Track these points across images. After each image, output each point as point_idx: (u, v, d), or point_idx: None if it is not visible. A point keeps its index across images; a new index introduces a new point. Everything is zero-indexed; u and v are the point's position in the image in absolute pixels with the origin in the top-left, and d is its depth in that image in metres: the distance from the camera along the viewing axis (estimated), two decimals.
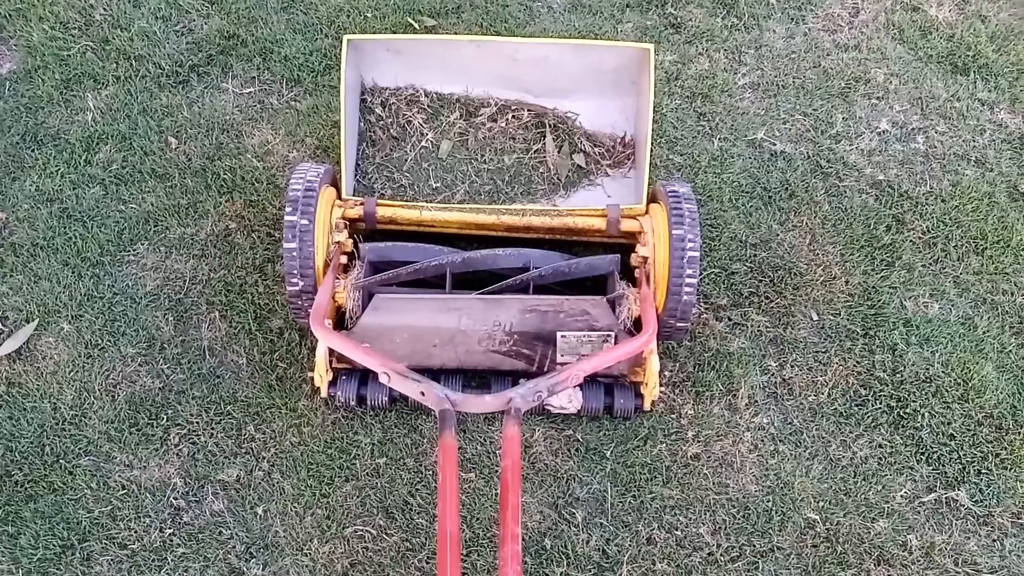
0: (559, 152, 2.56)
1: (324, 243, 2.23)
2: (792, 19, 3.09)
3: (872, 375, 2.36)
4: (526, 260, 2.28)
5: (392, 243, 2.29)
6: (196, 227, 2.57)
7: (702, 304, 2.46)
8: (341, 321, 2.25)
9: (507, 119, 2.58)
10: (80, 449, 2.19)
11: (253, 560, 2.08)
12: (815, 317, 2.46)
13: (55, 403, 2.25)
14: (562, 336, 2.18)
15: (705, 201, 2.64)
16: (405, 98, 2.59)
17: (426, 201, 2.47)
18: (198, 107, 2.80)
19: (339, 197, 2.35)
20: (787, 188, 2.68)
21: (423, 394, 1.73)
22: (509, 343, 2.18)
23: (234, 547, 2.09)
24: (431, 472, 2.21)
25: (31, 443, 2.20)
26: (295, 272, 2.13)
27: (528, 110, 2.59)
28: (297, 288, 2.16)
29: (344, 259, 2.27)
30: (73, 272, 2.46)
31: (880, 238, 2.59)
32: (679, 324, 2.20)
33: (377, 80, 2.58)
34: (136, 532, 2.09)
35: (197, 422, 2.25)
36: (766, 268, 2.53)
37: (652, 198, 2.34)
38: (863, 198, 2.67)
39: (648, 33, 3.01)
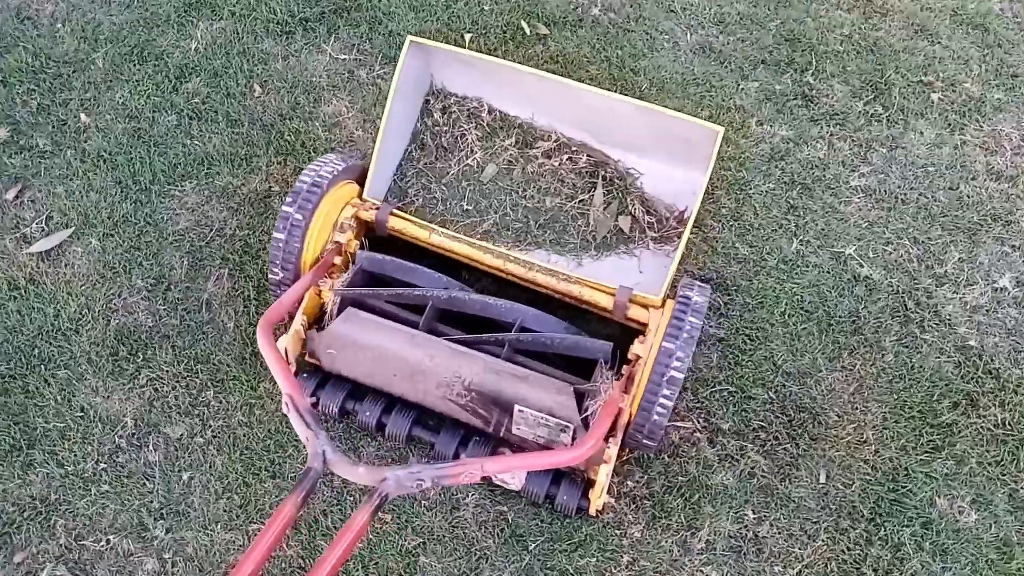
0: (605, 208, 2.34)
1: (323, 239, 2.18)
2: (949, 125, 2.62)
3: (859, 571, 2.01)
4: (516, 317, 2.12)
5: (390, 258, 2.20)
6: (243, 180, 2.60)
7: (699, 420, 2.19)
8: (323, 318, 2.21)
9: (562, 159, 2.39)
10: (62, 361, 2.32)
11: (161, 521, 2.12)
12: (823, 479, 2.12)
13: (59, 311, 2.38)
14: (519, 410, 2.01)
15: (753, 307, 2.33)
16: (467, 110, 2.45)
17: (453, 220, 2.35)
18: (292, 61, 2.81)
19: (360, 196, 2.28)
20: (855, 321, 2.31)
21: (307, 439, 1.65)
22: (466, 398, 2.05)
23: (151, 502, 2.14)
24: (353, 497, 2.14)
25: (26, 341, 2.34)
26: (277, 262, 2.10)
27: (588, 155, 2.38)
28: (277, 278, 2.14)
29: (338, 260, 2.20)
30: (121, 192, 2.57)
31: (940, 414, 2.17)
32: (645, 441, 1.96)
33: (446, 84, 2.46)
34: (75, 456, 2.19)
35: (167, 371, 2.30)
36: (790, 405, 2.20)
37: (675, 292, 2.09)
38: (940, 361, 2.24)
39: (773, 99, 2.67)
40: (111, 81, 2.79)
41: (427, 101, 2.48)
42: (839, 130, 2.63)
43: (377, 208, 2.24)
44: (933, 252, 2.41)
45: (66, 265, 2.47)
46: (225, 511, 2.13)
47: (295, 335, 2.14)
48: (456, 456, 2.08)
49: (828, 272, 2.39)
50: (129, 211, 2.55)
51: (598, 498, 1.98)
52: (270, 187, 2.59)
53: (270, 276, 2.15)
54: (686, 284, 2.05)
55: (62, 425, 2.23)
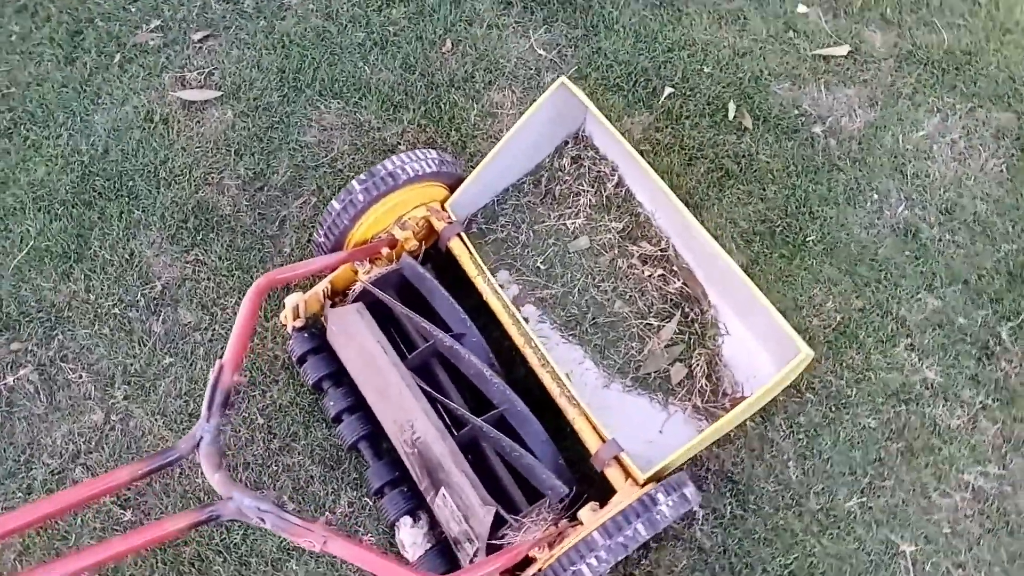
0: (667, 347, 2.06)
1: (381, 225, 2.10)
2: None
3: None
4: (501, 403, 1.95)
5: (428, 276, 2.08)
6: (380, 125, 2.57)
7: None
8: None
9: (656, 272, 2.11)
10: (144, 204, 2.46)
11: (125, 387, 2.24)
12: None
13: (168, 159, 2.52)
14: (443, 494, 1.87)
15: (759, 540, 1.98)
16: (597, 171, 2.23)
17: (520, 269, 2.18)
18: (494, 34, 2.70)
19: (443, 202, 2.16)
20: None
21: (202, 416, 1.62)
22: (411, 450, 1.93)
23: (130, 366, 2.26)
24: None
25: (130, 169, 2.51)
26: (324, 227, 2.07)
27: (684, 284, 2.09)
28: (318, 240, 2.11)
29: (387, 251, 2.12)
30: (279, 81, 2.64)
31: None
32: None
33: (592, 134, 2.24)
34: (102, 289, 2.35)
35: (213, 261, 2.38)
36: None
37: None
38: None
39: (946, 330, 2.20)
40: None
41: (566, 142, 2.27)
42: (998, 407, 2.11)
43: (449, 223, 2.12)
44: None
45: (198, 123, 2.59)
46: (176, 412, 2.20)
47: (314, 296, 2.11)
48: (380, 492, 1.99)
49: (868, 554, 1.96)
50: (273, 102, 2.61)
51: None
52: (395, 144, 2.54)
53: (314, 235, 2.11)
54: (674, 482, 1.75)
55: (109, 257, 2.38)
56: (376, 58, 2.67)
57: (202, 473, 1.57)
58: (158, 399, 2.21)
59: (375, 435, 2.04)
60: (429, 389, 1.95)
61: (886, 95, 2.56)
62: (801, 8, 2.72)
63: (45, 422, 2.20)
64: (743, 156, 2.46)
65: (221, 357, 1.68)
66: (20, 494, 2.12)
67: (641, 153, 2.43)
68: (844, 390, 2.15)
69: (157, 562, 2.04)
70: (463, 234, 2.11)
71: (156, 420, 2.18)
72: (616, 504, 1.76)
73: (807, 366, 1.98)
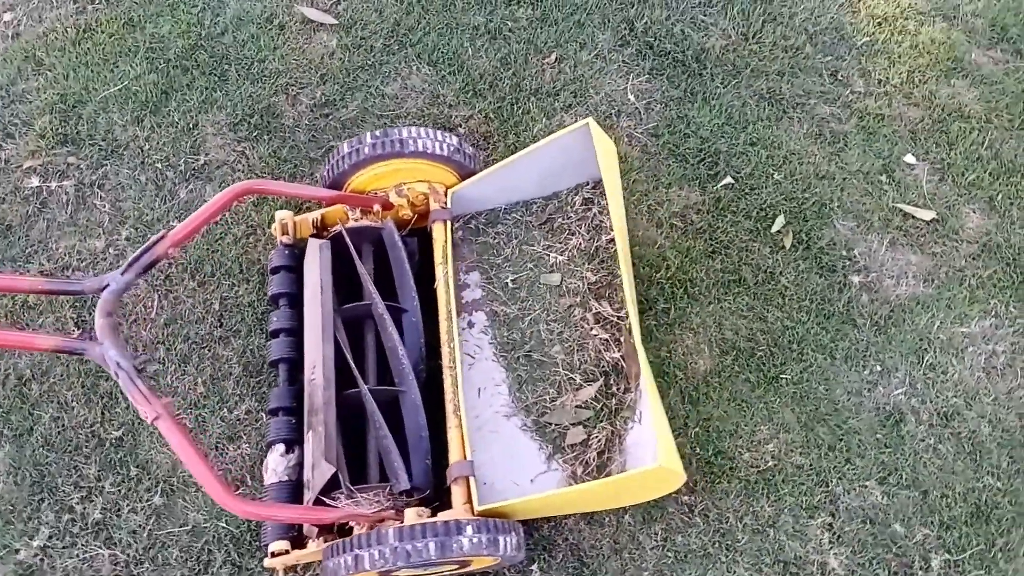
0: (576, 407, 2.03)
1: (381, 184, 2.21)
2: None
3: None
4: (400, 383, 2.01)
5: (401, 247, 2.15)
6: (453, 101, 2.67)
7: None
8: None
9: (602, 336, 2.08)
10: (226, 89, 2.70)
11: (132, 230, 2.47)
12: None
13: (264, 60, 2.74)
14: (307, 438, 1.95)
15: None
16: (599, 221, 2.22)
17: (488, 280, 2.22)
18: (596, 65, 2.73)
19: (448, 188, 2.23)
20: None
21: (111, 273, 1.74)
22: (307, 387, 2.02)
23: (145, 213, 2.50)
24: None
25: (229, 55, 2.75)
26: (328, 163, 2.20)
27: (623, 358, 2.05)
28: (322, 173, 2.25)
29: (378, 208, 2.21)
30: (392, 31, 2.80)
31: None
32: None
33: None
34: (156, 143, 2.60)
35: (251, 156, 2.58)
36: None
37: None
38: None
39: None
40: None
41: (588, 182, 2.28)
42: None
43: (443, 207, 2.19)
44: None
45: (305, 40, 2.80)
46: (161, 271, 2.40)
47: (304, 221, 2.24)
48: (273, 412, 2.08)
49: None
50: (376, 47, 2.77)
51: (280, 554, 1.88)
52: (459, 125, 2.63)
53: (321, 167, 2.25)
54: (498, 526, 1.73)
55: (177, 120, 2.63)
56: (482, 45, 2.77)
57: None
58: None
59: (296, 362, 2.14)
60: (344, 341, 2.03)
61: (948, 277, 2.36)
62: (909, 159, 2.56)
63: (59, 231, 2.47)
64: (765, 271, 2.36)
65: (171, 229, 1.83)
66: None
67: (670, 226, 2.40)
68: (736, 533, 2.03)
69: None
70: (448, 222, 2.17)
71: None
72: (436, 518, 1.77)
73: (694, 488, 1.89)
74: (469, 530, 1.69)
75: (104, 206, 2.51)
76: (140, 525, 2.09)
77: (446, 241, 2.14)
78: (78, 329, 2.31)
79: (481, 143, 2.61)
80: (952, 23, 2.84)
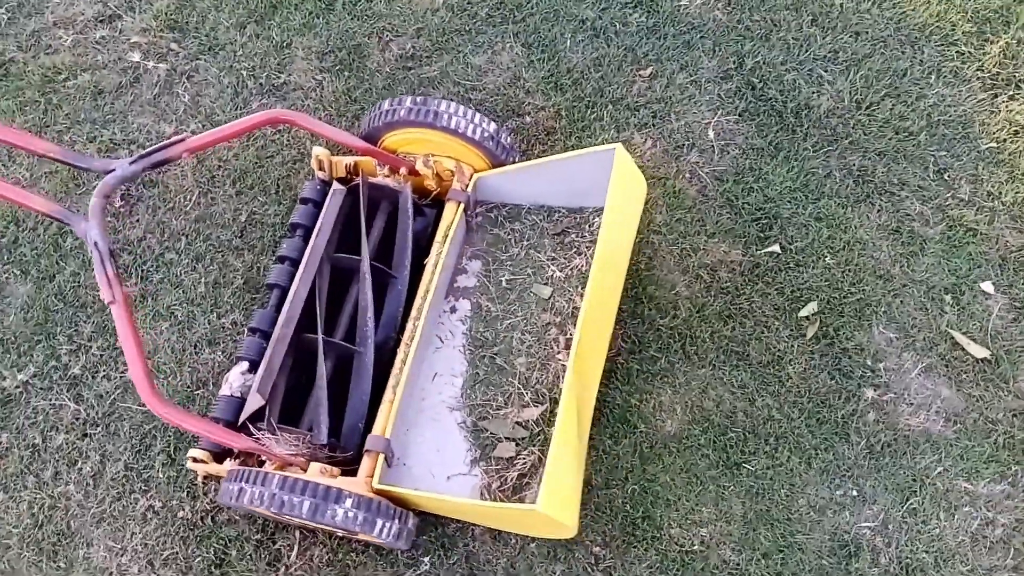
0: (516, 423, 1.99)
1: (414, 149, 2.22)
2: None
3: None
4: (360, 343, 2.04)
5: (409, 215, 2.17)
6: (531, 87, 2.62)
7: None
8: None
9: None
10: (318, 26, 2.78)
11: (195, 126, 2.62)
12: None
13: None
14: (261, 364, 2.03)
15: None
16: None
17: (484, 273, 2.20)
18: (688, 92, 2.61)
19: (475, 171, 2.22)
20: None
21: (120, 161, 1.85)
22: (281, 317, 2.10)
23: (174, 113, 2.63)
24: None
25: None
26: (369, 115, 2.24)
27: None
28: (362, 123, 2.29)
29: (404, 171, 2.22)
30: (502, 2, 2.78)
31: None
32: None
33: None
34: (249, 65, 2.73)
35: (325, 89, 2.65)
36: None
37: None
38: None
39: None
40: None
41: None
42: None
43: (461, 190, 2.18)
44: None
45: None
46: (211, 170, 2.54)
47: (340, 162, 2.29)
48: (252, 331, 2.16)
49: None
50: (479, 15, 2.75)
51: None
52: (527, 112, 2.59)
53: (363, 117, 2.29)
54: (383, 508, 1.75)
55: (275, 37, 2.74)
56: (582, 39, 2.70)
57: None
58: (208, 154, 2.56)
59: (288, 291, 2.22)
60: (321, 286, 2.07)
61: (975, 425, 2.12)
62: (987, 286, 2.29)
63: (140, 108, 2.65)
64: (774, 354, 2.20)
65: (192, 135, 1.92)
66: (91, 150, 2.61)
67: (695, 276, 2.29)
68: None
69: None
70: (462, 204, 2.16)
71: (190, 163, 2.55)
72: (333, 482, 1.80)
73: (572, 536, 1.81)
74: (348, 503, 1.70)
75: (185, 96, 2.67)
76: (107, 392, 2.25)
77: (452, 222, 2.14)
78: (122, 201, 2.49)
79: (543, 137, 2.56)
80: None
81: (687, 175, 2.49)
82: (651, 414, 2.14)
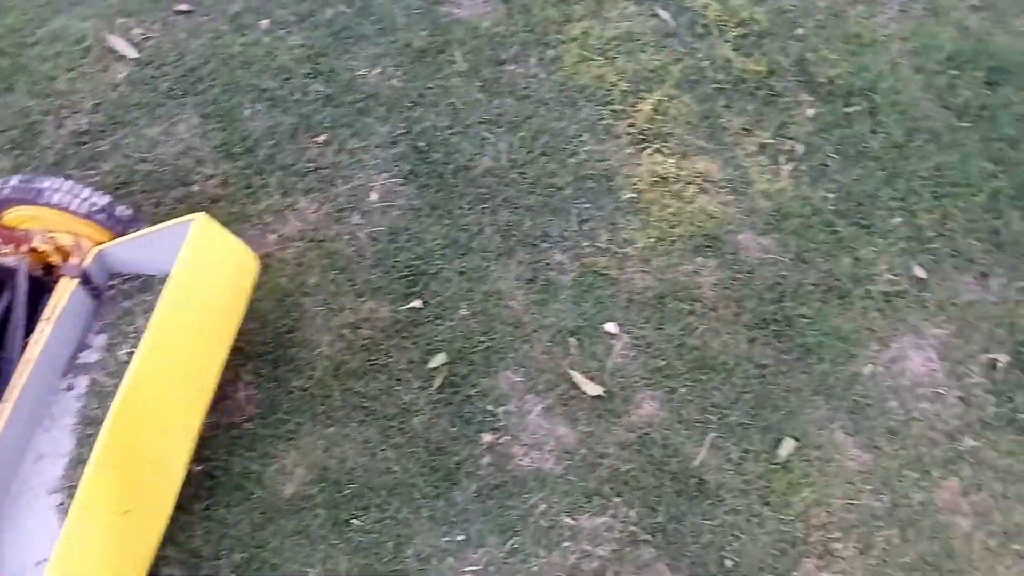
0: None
1: (36, 223, 2.24)
2: None
3: None
4: None
5: (22, 294, 2.17)
6: (204, 159, 2.69)
7: None
8: None
9: None
10: None
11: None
12: None
13: None
14: None
15: None
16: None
17: (112, 345, 2.22)
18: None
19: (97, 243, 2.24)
20: None
21: None
22: None
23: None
24: None
25: None
26: None
27: None
28: None
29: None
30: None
31: None
32: None
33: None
34: None
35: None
36: None
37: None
38: None
39: None
40: None
41: None
42: None
43: (72, 265, 2.19)
44: None
45: (101, 67, 2.89)
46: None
47: None
48: None
49: None
50: (171, 90, 2.82)
51: None
52: (194, 183, 2.65)
53: None
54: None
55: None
56: (260, 109, 2.80)
57: None
58: None
59: None
60: None
61: (583, 460, 2.24)
62: (611, 327, 2.44)
63: None
64: (403, 408, 2.28)
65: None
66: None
67: (338, 335, 2.37)
68: None
69: None
70: (76, 279, 2.18)
71: None
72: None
73: None
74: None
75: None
76: None
77: (60, 298, 2.15)
78: None
79: (208, 205, 2.62)
80: (738, 198, 2.69)
81: (346, 237, 2.58)
82: (271, 478, 2.17)
